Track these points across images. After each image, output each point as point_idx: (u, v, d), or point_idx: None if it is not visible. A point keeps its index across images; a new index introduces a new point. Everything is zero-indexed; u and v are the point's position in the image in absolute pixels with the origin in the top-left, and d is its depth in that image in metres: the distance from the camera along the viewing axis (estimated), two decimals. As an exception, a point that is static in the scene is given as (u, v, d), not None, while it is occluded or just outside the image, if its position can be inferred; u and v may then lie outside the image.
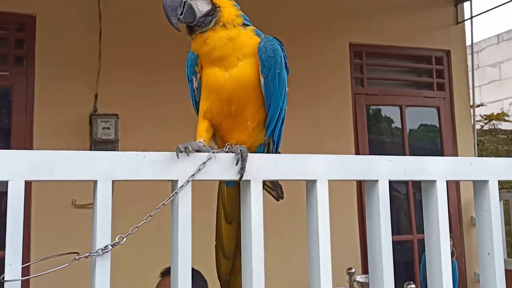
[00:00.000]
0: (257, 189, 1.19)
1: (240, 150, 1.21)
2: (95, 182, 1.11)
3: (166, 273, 2.62)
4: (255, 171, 1.19)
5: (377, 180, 1.29)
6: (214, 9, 1.36)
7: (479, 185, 1.45)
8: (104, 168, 1.11)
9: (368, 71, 5.21)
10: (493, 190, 1.41)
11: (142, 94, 4.12)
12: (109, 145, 3.88)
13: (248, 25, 1.41)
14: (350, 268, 3.93)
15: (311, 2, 4.92)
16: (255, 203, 1.19)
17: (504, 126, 6.79)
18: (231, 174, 1.18)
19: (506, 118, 6.83)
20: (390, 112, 5.46)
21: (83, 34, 4.12)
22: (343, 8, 5.04)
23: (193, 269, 1.12)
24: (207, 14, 1.35)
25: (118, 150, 3.90)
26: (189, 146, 1.17)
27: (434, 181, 1.35)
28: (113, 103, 4.00)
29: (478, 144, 5.69)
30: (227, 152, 1.22)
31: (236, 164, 1.18)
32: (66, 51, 4.06)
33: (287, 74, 1.39)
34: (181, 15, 1.35)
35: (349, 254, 4.55)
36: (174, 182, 1.16)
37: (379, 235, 1.31)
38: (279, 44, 1.37)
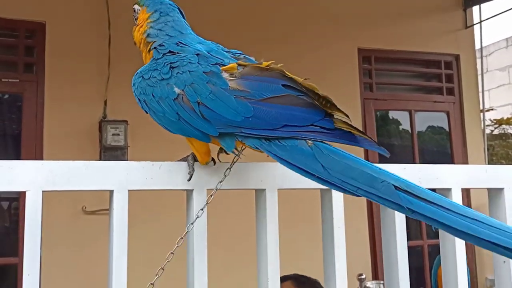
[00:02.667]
0: (272, 199, 1.19)
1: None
2: (111, 192, 1.11)
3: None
4: (271, 180, 1.18)
5: None
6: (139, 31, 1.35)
7: (494, 193, 1.44)
8: (120, 177, 1.11)
9: (377, 76, 5.20)
10: (509, 197, 1.39)
11: (151, 100, 4.13)
12: (119, 151, 3.90)
13: (159, 40, 1.29)
14: (361, 274, 3.90)
15: (319, 7, 4.93)
16: (270, 212, 1.18)
17: (514, 130, 6.77)
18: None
19: (519, 123, 6.79)
20: (399, 117, 5.45)
21: (92, 40, 4.14)
22: (352, 13, 5.04)
23: None
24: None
25: (127, 156, 3.92)
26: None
27: (449, 189, 1.33)
28: (122, 109, 4.00)
29: (488, 149, 5.66)
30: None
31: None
32: (75, 58, 4.09)
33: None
34: None
35: (360, 260, 4.52)
36: (189, 192, 1.16)
37: (395, 245, 1.30)
38: (139, 77, 1.25)
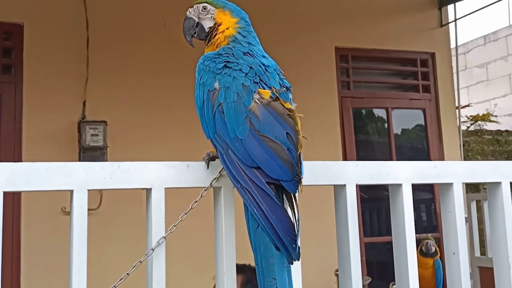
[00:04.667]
0: (228, 195, 1.26)
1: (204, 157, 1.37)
2: (71, 191, 1.17)
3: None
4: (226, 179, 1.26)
5: (344, 185, 1.36)
6: (214, 27, 1.50)
7: (444, 188, 1.52)
8: (79, 177, 1.17)
9: (354, 74, 5.28)
10: (457, 192, 1.47)
11: (130, 100, 4.19)
12: (98, 151, 3.94)
13: (237, 45, 1.46)
14: (338, 270, 3.99)
15: (297, 6, 4.99)
16: (226, 209, 1.26)
17: (489, 126, 6.89)
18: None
19: (492, 118, 6.92)
20: (376, 114, 5.54)
21: (70, 41, 4.17)
22: (329, 12, 5.11)
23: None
24: (208, 32, 1.51)
25: (106, 157, 3.96)
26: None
27: (400, 185, 1.41)
28: (101, 110, 4.06)
29: (464, 145, 5.78)
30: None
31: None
32: (54, 59, 4.11)
33: (203, 87, 1.38)
34: (195, 33, 1.52)
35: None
36: (148, 190, 1.22)
37: (347, 239, 1.38)
38: (204, 60, 1.41)
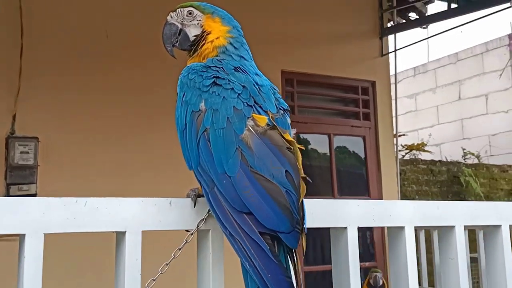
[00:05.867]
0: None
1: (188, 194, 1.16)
2: (22, 236, 0.94)
3: None
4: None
5: (345, 227, 1.21)
6: (202, 36, 1.30)
7: (446, 231, 1.39)
8: (34, 217, 0.94)
9: (299, 99, 5.24)
10: (460, 236, 1.35)
11: (66, 116, 3.84)
12: (27, 171, 3.57)
13: (227, 57, 1.27)
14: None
15: (244, 28, 4.89)
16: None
17: (424, 156, 7.10)
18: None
19: (426, 148, 7.14)
20: (319, 140, 5.52)
21: (2, 49, 3.78)
22: (276, 35, 5.05)
23: None
24: (193, 40, 1.31)
25: (37, 177, 3.60)
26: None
27: (402, 228, 1.28)
28: (33, 125, 3.69)
29: (400, 174, 5.88)
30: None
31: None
32: (-19, 67, 3.71)
33: (181, 105, 1.18)
34: (176, 42, 1.32)
35: None
36: (120, 234, 1.01)
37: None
38: (189, 73, 1.21)
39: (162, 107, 4.05)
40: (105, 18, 4.04)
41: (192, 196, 1.11)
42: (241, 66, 1.22)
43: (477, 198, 6.57)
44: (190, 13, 1.30)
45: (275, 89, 1.25)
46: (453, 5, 5.47)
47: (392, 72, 5.97)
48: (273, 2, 5.08)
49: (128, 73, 3.99)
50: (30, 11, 3.82)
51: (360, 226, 1.24)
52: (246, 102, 1.11)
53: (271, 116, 1.12)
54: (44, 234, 0.95)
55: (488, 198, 6.76)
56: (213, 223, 1.09)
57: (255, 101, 1.13)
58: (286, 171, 1.04)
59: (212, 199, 1.03)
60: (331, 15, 5.44)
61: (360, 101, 5.63)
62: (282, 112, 1.18)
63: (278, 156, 1.05)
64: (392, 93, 5.94)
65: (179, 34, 1.31)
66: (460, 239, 1.34)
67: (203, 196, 1.10)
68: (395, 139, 5.82)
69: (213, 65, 1.19)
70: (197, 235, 1.10)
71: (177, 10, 1.32)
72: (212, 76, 1.15)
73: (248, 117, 1.09)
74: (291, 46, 5.13)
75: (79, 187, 3.61)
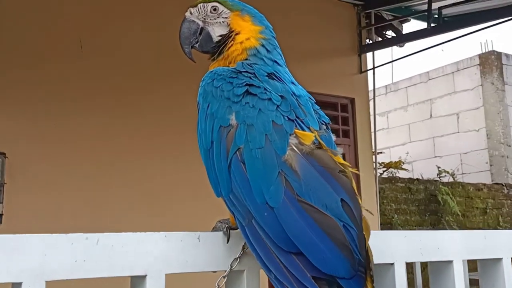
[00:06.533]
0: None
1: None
2: (17, 285, 0.73)
3: None
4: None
5: (392, 264, 1.04)
6: (229, 36, 1.10)
7: (490, 264, 1.24)
8: (33, 261, 0.74)
9: (279, 115, 5.10)
10: (508, 269, 1.20)
11: (36, 130, 3.59)
12: (-8, 189, 3.28)
13: (259, 61, 1.08)
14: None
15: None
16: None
17: (401, 174, 7.06)
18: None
19: (403, 166, 7.11)
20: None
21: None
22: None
23: None
24: (218, 41, 1.11)
25: (2, 196, 3.32)
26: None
27: (450, 262, 1.12)
28: (0, 140, 3.43)
29: (379, 192, 5.80)
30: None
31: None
32: None
33: (206, 117, 0.99)
34: (196, 43, 1.12)
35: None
36: (137, 278, 0.81)
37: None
38: (214, 79, 1.02)
39: (145, 114, 3.84)
40: (78, 27, 3.80)
41: (225, 229, 0.91)
42: (275, 73, 1.04)
43: (454, 216, 6.56)
44: (214, 9, 1.11)
45: (312, 99, 1.08)
46: (432, 24, 5.49)
47: (370, 88, 5.94)
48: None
49: (102, 83, 3.76)
50: (2, 15, 3.55)
51: (408, 261, 1.07)
52: (287, 116, 0.93)
53: (316, 134, 0.94)
54: (46, 282, 0.74)
55: (464, 216, 6.76)
56: (248, 262, 0.90)
57: (296, 115, 0.95)
58: (342, 199, 0.85)
59: (250, 234, 0.84)
60: (309, 31, 5.37)
61: (339, 118, 5.55)
62: (324, 127, 1.01)
63: (331, 181, 0.86)
64: (371, 110, 5.89)
65: (200, 34, 1.12)
66: (509, 273, 1.19)
67: (235, 229, 0.91)
68: (374, 156, 5.75)
69: (244, 70, 1.00)
70: (228, 276, 0.91)
71: (199, 5, 1.13)
72: (244, 84, 0.96)
73: (290, 134, 0.91)
74: (271, 61, 5.01)
75: (51, 208, 3.34)
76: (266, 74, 1.01)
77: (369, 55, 5.93)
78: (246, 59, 1.06)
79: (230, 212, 0.90)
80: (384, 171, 6.82)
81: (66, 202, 3.48)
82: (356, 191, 0.91)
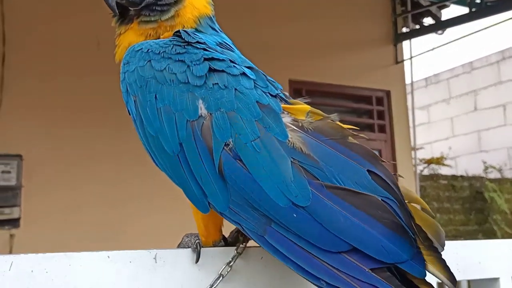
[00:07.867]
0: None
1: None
2: None
3: None
4: None
5: (497, 278, 0.84)
6: None
7: None
8: None
9: (309, 110, 4.88)
10: None
11: (52, 131, 3.54)
12: (10, 192, 3.32)
13: (208, 30, 0.89)
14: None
15: (252, 36, 4.56)
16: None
17: (443, 170, 6.70)
18: None
19: (445, 162, 6.75)
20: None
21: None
22: (284, 44, 4.76)
23: None
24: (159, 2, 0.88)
25: (21, 199, 3.25)
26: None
27: (497, 279, 0.88)
28: (16, 141, 3.39)
29: (420, 190, 5.50)
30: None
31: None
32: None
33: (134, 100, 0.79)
34: None
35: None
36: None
37: None
38: (150, 59, 0.78)
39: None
40: (96, 26, 3.68)
41: (194, 247, 0.70)
42: (224, 43, 0.85)
43: (502, 215, 6.15)
44: None
45: (265, 75, 0.89)
46: (474, 9, 5.14)
47: (407, 80, 5.62)
48: (279, 10, 4.80)
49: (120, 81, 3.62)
50: (13, 17, 3.52)
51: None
52: (269, 92, 0.77)
53: (302, 103, 0.83)
54: None
55: (513, 214, 6.34)
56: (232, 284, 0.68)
57: (274, 87, 0.81)
58: (369, 170, 0.71)
59: (275, 242, 0.66)
60: (341, 21, 5.13)
61: (374, 112, 5.29)
62: (287, 94, 0.85)
63: (348, 153, 0.72)
64: (409, 103, 5.58)
65: None
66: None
67: (210, 246, 0.71)
68: (413, 152, 5.44)
69: (194, 40, 0.78)
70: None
71: None
72: (202, 59, 0.75)
73: (280, 113, 0.75)
74: (300, 54, 4.83)
75: (68, 210, 3.25)
76: (217, 43, 0.82)
77: (406, 45, 5.61)
78: (195, 28, 0.86)
79: (233, 223, 0.72)
80: (424, 168, 6.47)
81: (83, 202, 3.38)
82: (376, 154, 0.75)
